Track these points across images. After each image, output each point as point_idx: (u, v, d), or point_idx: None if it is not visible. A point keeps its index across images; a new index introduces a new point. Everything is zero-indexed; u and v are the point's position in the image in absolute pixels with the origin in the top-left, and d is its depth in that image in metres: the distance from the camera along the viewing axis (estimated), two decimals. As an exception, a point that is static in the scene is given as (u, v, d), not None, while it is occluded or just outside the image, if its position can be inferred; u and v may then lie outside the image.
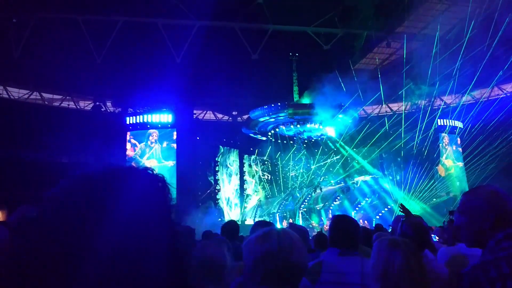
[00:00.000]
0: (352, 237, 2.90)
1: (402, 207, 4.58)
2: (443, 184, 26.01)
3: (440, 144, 26.77)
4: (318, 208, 27.56)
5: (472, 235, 1.99)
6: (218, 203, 27.74)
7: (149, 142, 25.14)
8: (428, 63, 22.07)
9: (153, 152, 24.81)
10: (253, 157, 31.44)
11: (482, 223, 1.93)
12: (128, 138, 25.54)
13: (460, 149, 27.62)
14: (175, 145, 24.97)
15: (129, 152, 25.17)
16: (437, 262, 2.98)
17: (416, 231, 2.89)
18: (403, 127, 25.28)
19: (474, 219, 1.97)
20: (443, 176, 26.60)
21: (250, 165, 31.24)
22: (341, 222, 3.00)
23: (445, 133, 27.30)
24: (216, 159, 28.75)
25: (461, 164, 27.26)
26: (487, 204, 1.94)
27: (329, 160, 29.51)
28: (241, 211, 29.05)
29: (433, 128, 25.65)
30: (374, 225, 8.70)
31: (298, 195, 28.28)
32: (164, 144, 25.11)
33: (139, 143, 25.21)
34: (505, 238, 1.84)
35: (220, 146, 29.29)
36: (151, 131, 25.29)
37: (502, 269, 1.68)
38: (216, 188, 28.22)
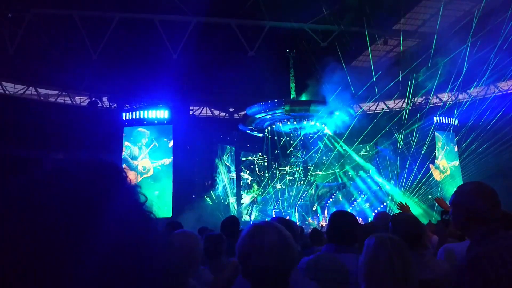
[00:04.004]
0: (349, 234, 2.90)
1: (401, 205, 4.63)
2: (438, 189, 25.64)
3: (436, 143, 26.71)
4: (314, 205, 27.63)
5: (457, 225, 2.21)
6: (227, 200, 28.22)
7: (139, 144, 24.92)
8: (426, 61, 22.11)
9: (144, 152, 24.49)
10: (249, 153, 31.48)
11: (462, 216, 2.11)
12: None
13: (456, 147, 27.62)
14: (171, 143, 24.81)
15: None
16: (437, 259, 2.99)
17: (411, 229, 2.89)
18: (402, 124, 25.35)
19: (457, 212, 2.15)
20: (438, 180, 26.34)
21: (246, 162, 31.29)
22: (340, 218, 3.00)
23: (441, 130, 27.32)
24: (223, 157, 29.10)
25: (457, 163, 27.20)
26: (467, 199, 2.11)
27: (325, 158, 29.54)
28: (236, 208, 29.10)
29: (421, 121, 25.65)
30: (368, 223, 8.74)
31: (294, 192, 28.32)
32: (159, 143, 24.90)
33: (131, 144, 24.96)
34: (489, 232, 1.96)
35: (228, 146, 29.53)
36: (141, 130, 25.01)
37: (494, 260, 1.75)
38: (214, 184, 28.38)
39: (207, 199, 27.16)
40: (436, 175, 26.38)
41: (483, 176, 21.10)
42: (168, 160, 24.41)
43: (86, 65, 23.57)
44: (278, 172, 30.49)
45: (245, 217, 27.33)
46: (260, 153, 31.47)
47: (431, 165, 25.89)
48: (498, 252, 1.79)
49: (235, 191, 29.64)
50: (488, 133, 21.41)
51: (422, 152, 24.87)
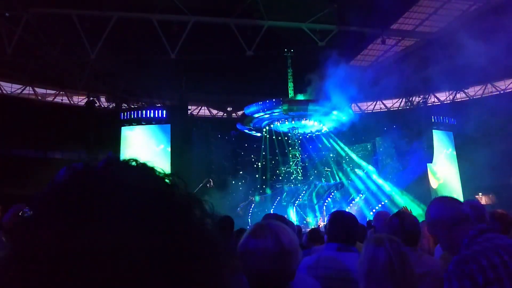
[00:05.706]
0: (350, 233, 2.92)
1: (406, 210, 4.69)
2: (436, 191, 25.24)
3: (434, 142, 26.61)
4: (312, 204, 27.60)
5: (441, 242, 2.21)
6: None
7: (136, 146, 24.83)
8: (424, 60, 22.15)
9: (142, 155, 24.31)
10: (247, 153, 31.49)
11: (447, 228, 2.09)
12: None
13: (454, 149, 27.50)
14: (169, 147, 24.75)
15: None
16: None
17: (410, 227, 2.92)
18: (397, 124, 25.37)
19: (441, 227, 2.14)
20: (434, 188, 26.07)
21: (244, 161, 31.29)
22: (340, 218, 3.02)
23: (439, 130, 27.31)
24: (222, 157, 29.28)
25: (454, 167, 26.94)
26: (448, 208, 2.12)
27: (325, 156, 29.55)
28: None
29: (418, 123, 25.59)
30: (366, 222, 8.76)
31: (292, 191, 28.29)
32: (161, 146, 24.82)
33: (128, 147, 24.83)
34: (475, 235, 1.96)
35: (227, 146, 29.78)
36: (139, 130, 24.89)
37: (481, 262, 1.75)
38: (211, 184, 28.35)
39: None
40: (431, 179, 26.15)
41: (481, 176, 21.11)
42: (166, 165, 24.27)
43: (83, 65, 23.55)
44: (276, 172, 30.49)
45: (244, 217, 27.28)
46: (258, 153, 31.45)
47: (428, 170, 25.76)
48: (485, 254, 1.78)
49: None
50: (485, 132, 21.46)
51: (420, 151, 24.86)
